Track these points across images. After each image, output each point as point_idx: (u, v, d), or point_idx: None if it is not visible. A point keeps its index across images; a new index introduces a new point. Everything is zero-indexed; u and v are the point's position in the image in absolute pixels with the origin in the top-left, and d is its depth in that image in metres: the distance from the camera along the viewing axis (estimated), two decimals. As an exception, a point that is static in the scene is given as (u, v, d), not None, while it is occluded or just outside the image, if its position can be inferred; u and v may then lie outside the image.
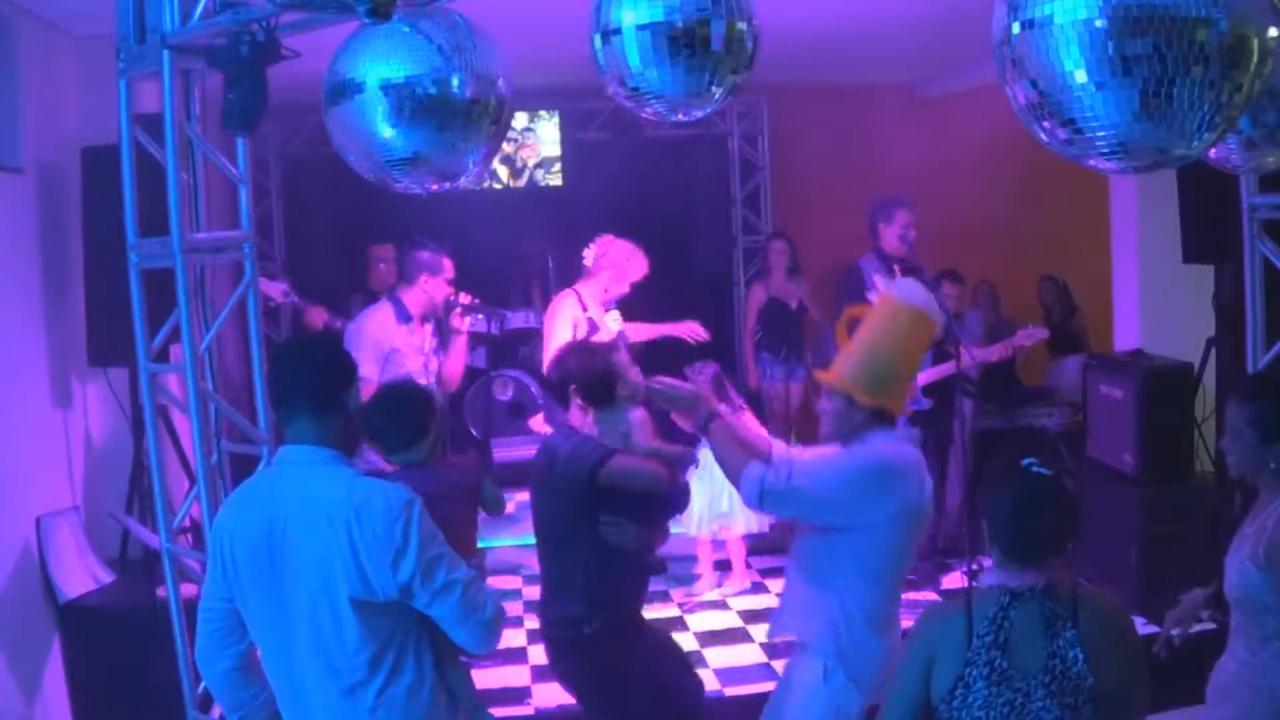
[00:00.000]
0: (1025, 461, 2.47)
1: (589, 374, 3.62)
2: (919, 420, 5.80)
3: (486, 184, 8.33)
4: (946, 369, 5.73)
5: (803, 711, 3.22)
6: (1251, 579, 2.80)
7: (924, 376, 5.73)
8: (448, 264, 5.16)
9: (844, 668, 3.15)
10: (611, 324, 5.53)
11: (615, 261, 5.52)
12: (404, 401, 3.67)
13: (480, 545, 6.55)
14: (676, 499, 3.66)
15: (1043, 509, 2.44)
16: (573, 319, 5.41)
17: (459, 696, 2.76)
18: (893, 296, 3.31)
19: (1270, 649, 2.81)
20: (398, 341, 5.02)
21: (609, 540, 3.47)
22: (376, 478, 2.64)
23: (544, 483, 3.60)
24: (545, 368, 4.77)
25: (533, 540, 3.75)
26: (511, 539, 6.49)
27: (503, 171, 8.46)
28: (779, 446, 3.49)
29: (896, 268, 5.77)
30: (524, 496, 6.58)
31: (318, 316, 6.30)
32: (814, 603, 3.21)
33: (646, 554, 3.71)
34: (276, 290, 5.79)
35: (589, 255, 5.57)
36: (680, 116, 3.18)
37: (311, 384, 2.57)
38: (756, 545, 6.29)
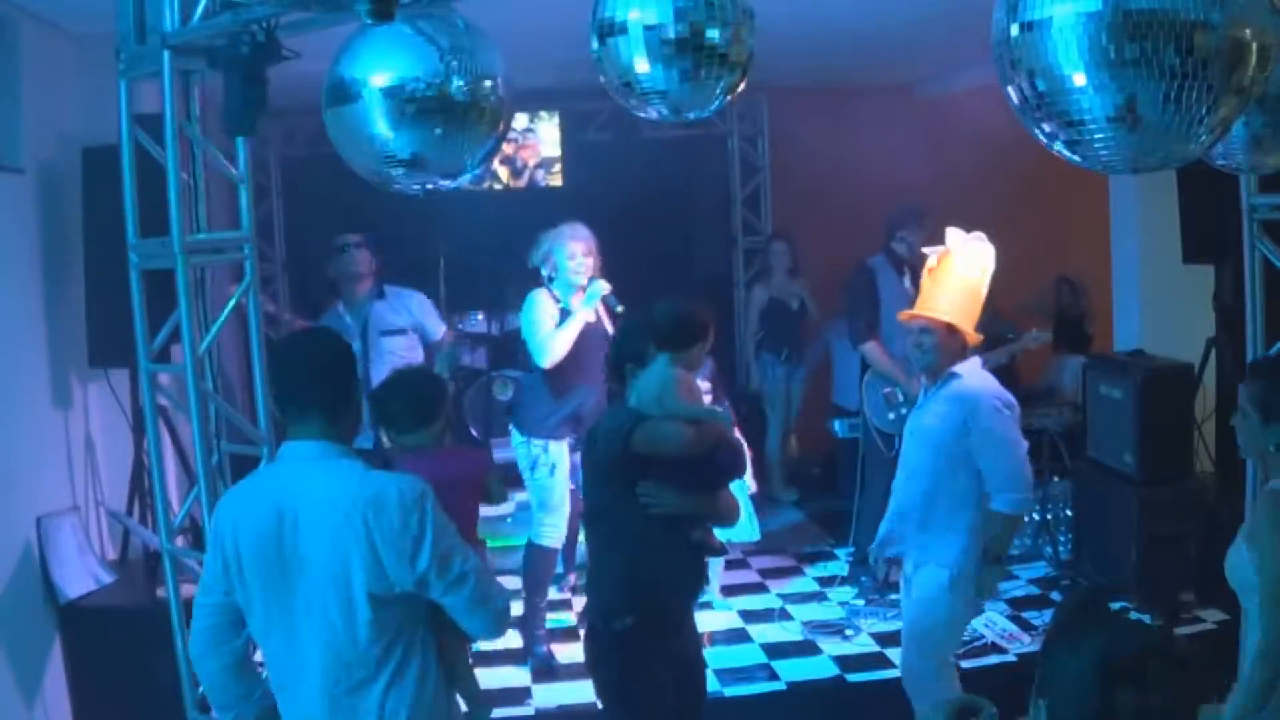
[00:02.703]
0: (1115, 606, 1.68)
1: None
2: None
3: (486, 184, 8.32)
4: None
5: (929, 609, 3.81)
6: (1240, 555, 2.77)
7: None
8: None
9: (965, 583, 3.76)
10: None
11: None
12: (417, 385, 3.71)
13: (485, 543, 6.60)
14: (724, 461, 3.55)
15: (1147, 686, 1.54)
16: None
17: (464, 686, 2.78)
18: (955, 247, 4.10)
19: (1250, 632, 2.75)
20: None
21: (652, 511, 3.37)
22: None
23: (591, 463, 3.59)
24: None
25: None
26: (512, 539, 6.49)
27: (503, 172, 8.45)
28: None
29: (906, 268, 5.77)
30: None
31: None
32: (947, 526, 3.79)
33: (698, 534, 3.52)
34: None
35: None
36: (681, 116, 3.18)
37: (326, 383, 2.55)
38: (758, 547, 6.28)
